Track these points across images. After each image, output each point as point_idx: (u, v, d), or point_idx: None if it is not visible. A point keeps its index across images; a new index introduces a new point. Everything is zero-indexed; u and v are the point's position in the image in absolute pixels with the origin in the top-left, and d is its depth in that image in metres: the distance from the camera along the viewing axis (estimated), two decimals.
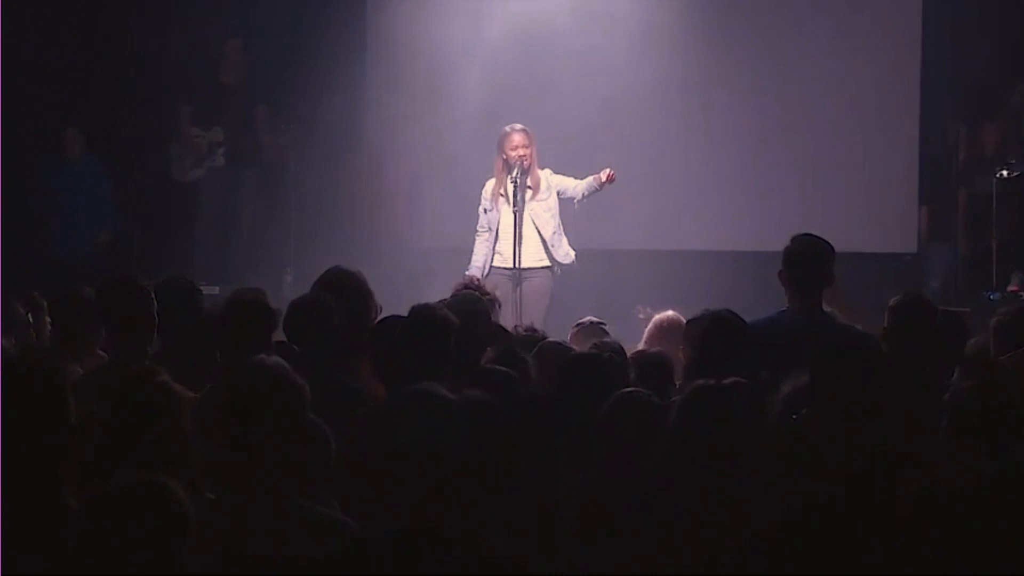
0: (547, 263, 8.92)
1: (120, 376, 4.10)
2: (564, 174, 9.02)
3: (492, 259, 8.89)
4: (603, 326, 6.59)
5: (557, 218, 8.95)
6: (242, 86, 11.06)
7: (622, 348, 5.81)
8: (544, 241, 8.88)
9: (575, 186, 8.96)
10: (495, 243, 8.91)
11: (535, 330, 6.62)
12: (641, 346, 6.36)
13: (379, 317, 5.88)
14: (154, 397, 3.76)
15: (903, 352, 5.53)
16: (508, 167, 8.85)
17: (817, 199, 10.81)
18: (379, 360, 5.32)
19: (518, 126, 8.95)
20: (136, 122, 11.31)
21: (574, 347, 6.27)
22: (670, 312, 6.64)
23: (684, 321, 6.41)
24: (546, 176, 8.96)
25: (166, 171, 11.15)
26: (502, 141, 8.92)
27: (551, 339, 6.19)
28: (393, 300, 6.40)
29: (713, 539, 3.85)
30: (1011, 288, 10.36)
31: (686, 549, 3.87)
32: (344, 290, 5.88)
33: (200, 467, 3.70)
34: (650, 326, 6.68)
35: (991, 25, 10.68)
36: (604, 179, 8.83)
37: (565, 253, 8.96)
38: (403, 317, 5.66)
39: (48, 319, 6.28)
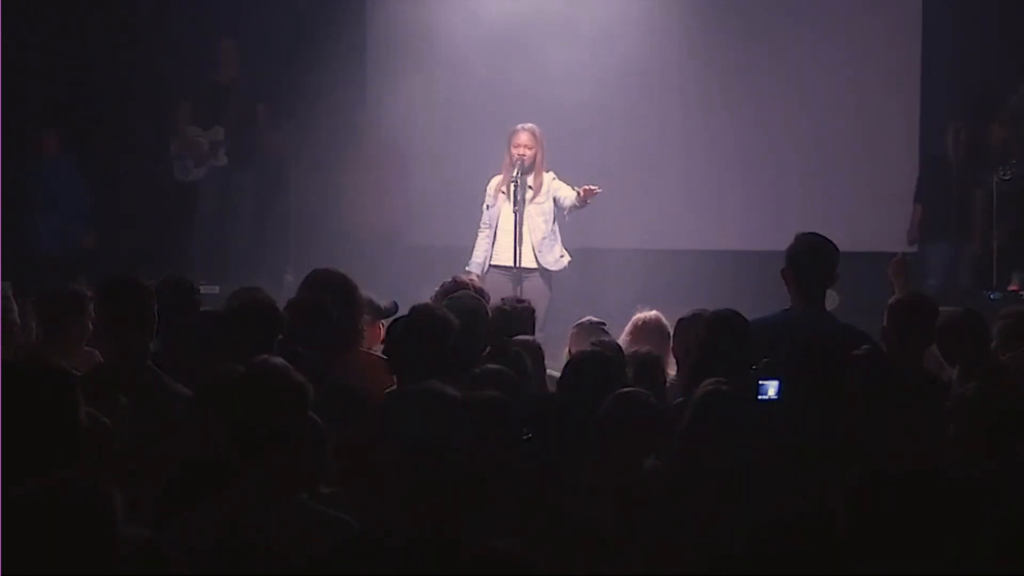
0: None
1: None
2: (564, 175, 8.97)
3: (491, 256, 8.87)
4: (603, 326, 6.58)
5: (551, 223, 8.86)
6: (239, 85, 11.07)
7: (620, 347, 5.82)
8: (533, 245, 8.83)
9: (566, 196, 8.85)
10: (494, 240, 8.88)
11: (522, 300, 6.61)
12: (620, 342, 6.33)
13: (396, 315, 5.92)
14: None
15: (903, 350, 5.53)
16: (513, 165, 8.82)
17: (817, 198, 10.82)
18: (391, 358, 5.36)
19: (528, 125, 8.89)
20: (133, 122, 11.29)
21: (570, 347, 6.31)
22: (652, 312, 6.64)
23: (663, 321, 6.45)
24: (548, 180, 8.90)
25: (168, 171, 11.15)
26: (510, 138, 8.88)
27: (528, 336, 6.18)
28: (393, 299, 6.41)
29: (716, 540, 3.85)
30: (1011, 288, 10.36)
31: (690, 549, 3.87)
32: (330, 289, 5.87)
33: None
34: (629, 325, 6.67)
35: (991, 26, 10.68)
36: (582, 194, 8.69)
37: (555, 259, 8.87)
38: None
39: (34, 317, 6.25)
